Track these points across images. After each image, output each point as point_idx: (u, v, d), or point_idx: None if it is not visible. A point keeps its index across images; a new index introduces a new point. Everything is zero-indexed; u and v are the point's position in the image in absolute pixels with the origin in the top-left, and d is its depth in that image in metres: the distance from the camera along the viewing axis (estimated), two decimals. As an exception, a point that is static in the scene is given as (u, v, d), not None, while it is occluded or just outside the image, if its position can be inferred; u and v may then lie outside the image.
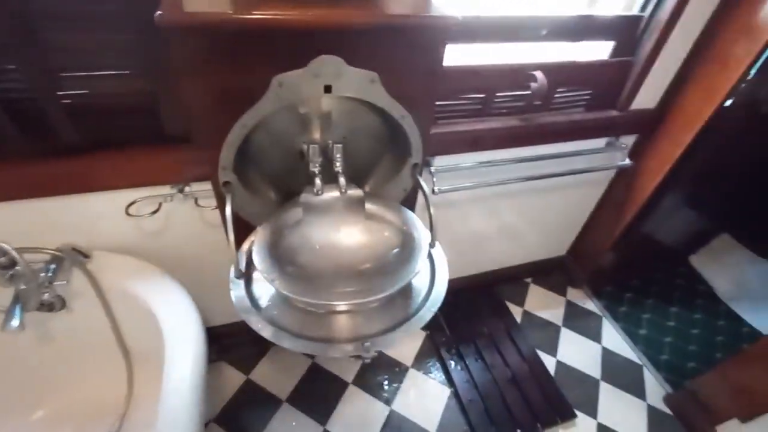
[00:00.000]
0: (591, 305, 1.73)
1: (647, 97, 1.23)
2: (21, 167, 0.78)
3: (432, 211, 0.75)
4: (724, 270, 1.86)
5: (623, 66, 1.17)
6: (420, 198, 0.92)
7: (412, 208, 0.92)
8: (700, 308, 1.74)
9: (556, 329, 1.61)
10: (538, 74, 1.03)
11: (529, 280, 1.80)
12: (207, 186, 0.89)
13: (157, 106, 0.81)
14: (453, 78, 1.01)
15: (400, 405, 1.32)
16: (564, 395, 1.37)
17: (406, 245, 0.74)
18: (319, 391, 1.33)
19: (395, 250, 0.75)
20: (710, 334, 1.64)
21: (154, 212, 0.90)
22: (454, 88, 1.04)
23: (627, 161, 1.34)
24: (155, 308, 0.83)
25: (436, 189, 1.09)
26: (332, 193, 0.76)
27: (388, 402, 1.32)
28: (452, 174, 1.13)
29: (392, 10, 0.64)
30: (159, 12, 0.53)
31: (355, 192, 0.78)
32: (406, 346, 1.49)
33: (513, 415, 1.31)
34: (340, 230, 0.78)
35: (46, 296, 0.82)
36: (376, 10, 0.64)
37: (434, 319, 0.78)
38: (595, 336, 1.61)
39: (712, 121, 1.15)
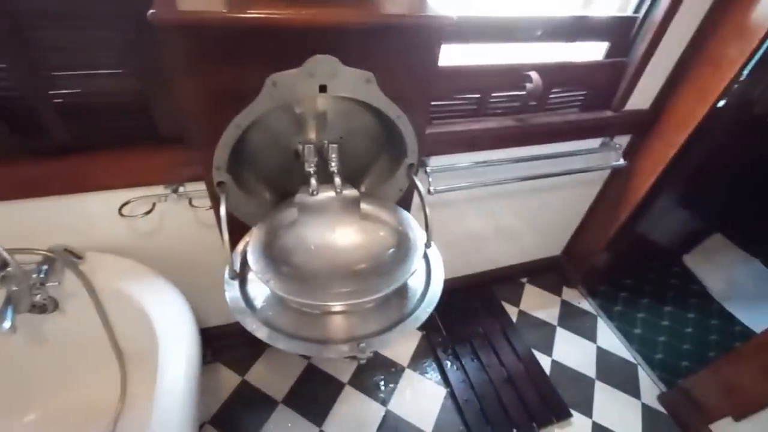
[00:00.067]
0: (586, 305, 1.74)
1: (641, 97, 1.24)
2: (12, 167, 0.77)
3: (427, 211, 0.75)
4: (718, 269, 1.88)
5: (617, 67, 1.18)
6: (416, 198, 0.92)
7: (407, 208, 0.92)
8: (693, 307, 1.75)
9: (551, 329, 1.62)
10: (533, 75, 1.03)
11: (524, 279, 1.80)
12: (201, 186, 0.88)
13: (151, 106, 0.80)
14: (448, 78, 1.01)
15: (396, 405, 1.32)
16: (559, 395, 1.38)
17: (402, 245, 0.74)
18: (314, 392, 1.32)
19: (391, 251, 0.74)
20: (704, 333, 1.65)
21: (148, 212, 0.90)
22: (449, 89, 1.04)
23: (621, 161, 1.34)
24: (149, 309, 0.82)
25: (431, 189, 1.09)
26: (328, 194, 0.76)
27: (384, 402, 1.32)
28: (448, 174, 1.13)
29: (388, 9, 0.64)
30: (152, 10, 0.52)
31: (351, 192, 0.77)
32: (401, 346, 1.49)
33: (509, 415, 1.31)
34: (336, 230, 0.78)
35: (38, 298, 0.81)
36: (372, 10, 0.63)
37: (430, 320, 0.78)
38: (590, 335, 1.62)
39: (705, 122, 1.16)
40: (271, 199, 0.83)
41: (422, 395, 1.36)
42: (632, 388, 1.45)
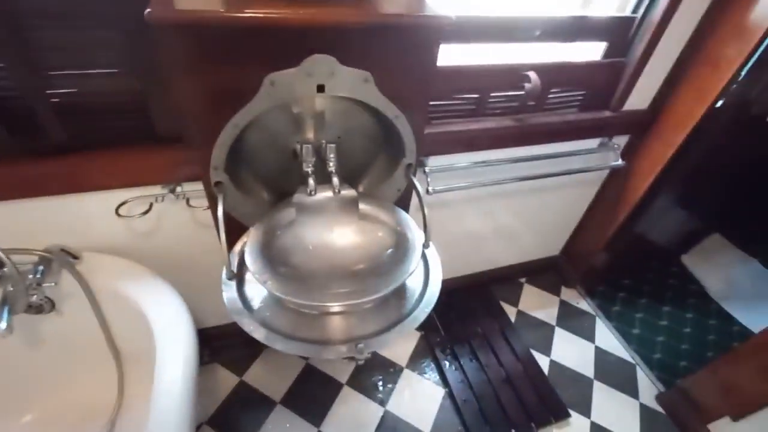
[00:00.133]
0: (584, 305, 1.74)
1: (639, 97, 1.24)
2: (8, 167, 0.77)
3: (426, 211, 0.75)
4: (716, 269, 1.88)
5: (616, 67, 1.18)
6: (414, 198, 0.92)
7: (406, 208, 0.92)
8: (691, 307, 1.75)
9: (550, 329, 1.62)
10: (532, 75, 1.03)
11: (523, 280, 1.80)
12: (199, 186, 0.88)
13: (148, 105, 0.80)
14: (447, 78, 1.01)
15: (394, 406, 1.32)
16: (558, 395, 1.38)
17: (400, 246, 0.73)
18: (313, 393, 1.32)
19: (389, 251, 0.74)
20: (702, 333, 1.65)
21: (145, 212, 0.89)
22: (448, 88, 1.03)
23: (620, 161, 1.35)
24: (146, 309, 0.82)
25: (430, 189, 1.09)
26: (326, 194, 0.76)
27: (382, 403, 1.32)
28: (446, 174, 1.13)
29: (386, 9, 0.64)
30: (149, 9, 0.52)
31: (349, 192, 0.77)
32: (400, 346, 1.48)
33: (507, 415, 1.31)
34: (334, 231, 0.77)
35: (34, 298, 0.81)
36: (370, 9, 0.63)
37: (428, 320, 0.78)
38: (589, 335, 1.62)
39: (704, 122, 1.16)
40: (269, 199, 0.83)
41: (421, 395, 1.36)
42: (630, 388, 1.45)
